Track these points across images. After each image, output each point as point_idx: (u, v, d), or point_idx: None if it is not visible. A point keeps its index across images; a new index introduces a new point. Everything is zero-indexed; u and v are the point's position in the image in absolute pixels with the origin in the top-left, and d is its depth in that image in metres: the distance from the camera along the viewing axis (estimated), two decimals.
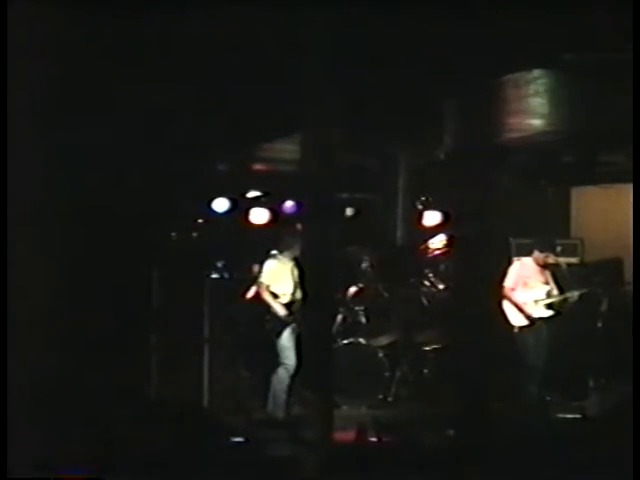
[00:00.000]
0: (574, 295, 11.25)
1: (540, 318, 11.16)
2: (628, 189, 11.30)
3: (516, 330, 11.17)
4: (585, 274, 12.24)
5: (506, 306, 11.22)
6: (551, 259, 11.30)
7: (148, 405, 9.65)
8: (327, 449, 7.93)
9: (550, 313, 11.17)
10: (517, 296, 11.19)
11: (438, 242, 12.76)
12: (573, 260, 12.74)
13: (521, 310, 11.13)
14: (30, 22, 7.61)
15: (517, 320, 11.22)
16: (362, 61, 8.16)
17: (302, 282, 10.52)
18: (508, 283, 11.21)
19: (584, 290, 11.42)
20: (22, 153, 7.64)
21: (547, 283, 11.27)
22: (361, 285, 12.21)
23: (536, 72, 8.73)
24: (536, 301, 11.17)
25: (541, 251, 11.25)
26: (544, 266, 11.29)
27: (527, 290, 11.21)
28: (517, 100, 9.94)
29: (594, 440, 8.44)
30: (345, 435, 8.82)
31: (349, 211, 12.39)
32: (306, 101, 8.08)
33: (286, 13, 7.79)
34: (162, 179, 9.99)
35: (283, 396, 10.68)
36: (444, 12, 7.72)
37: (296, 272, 10.76)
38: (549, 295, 11.19)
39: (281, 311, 10.66)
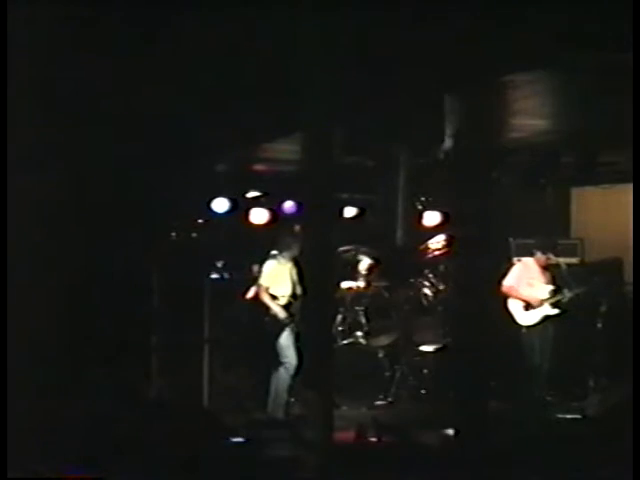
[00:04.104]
0: (580, 291, 11.33)
1: (547, 317, 11.23)
2: (628, 189, 11.30)
3: (524, 330, 11.24)
4: (585, 274, 12.24)
5: (511, 306, 11.27)
6: (552, 260, 11.35)
7: (148, 405, 9.65)
8: (327, 449, 7.92)
9: (556, 311, 11.24)
10: (518, 294, 11.26)
11: (438, 242, 12.76)
12: (573, 260, 12.75)
13: (529, 304, 11.20)
14: (30, 22, 7.62)
15: (523, 319, 11.27)
16: (362, 61, 8.16)
17: (301, 282, 10.53)
18: (508, 281, 11.25)
19: (586, 288, 11.48)
20: (22, 152, 7.64)
21: (550, 283, 11.32)
22: (361, 285, 12.23)
23: (536, 72, 8.72)
24: (541, 300, 11.23)
25: (543, 252, 11.30)
26: (546, 267, 11.35)
27: (531, 291, 11.27)
28: (517, 100, 9.94)
29: (594, 440, 8.44)
30: (345, 435, 8.82)
31: (349, 211, 12.39)
32: (306, 101, 8.07)
33: (286, 12, 7.78)
34: (162, 179, 10.00)
35: (283, 396, 10.69)
36: (444, 12, 7.72)
37: (295, 272, 10.77)
38: (553, 294, 11.25)
39: (280, 313, 10.66)
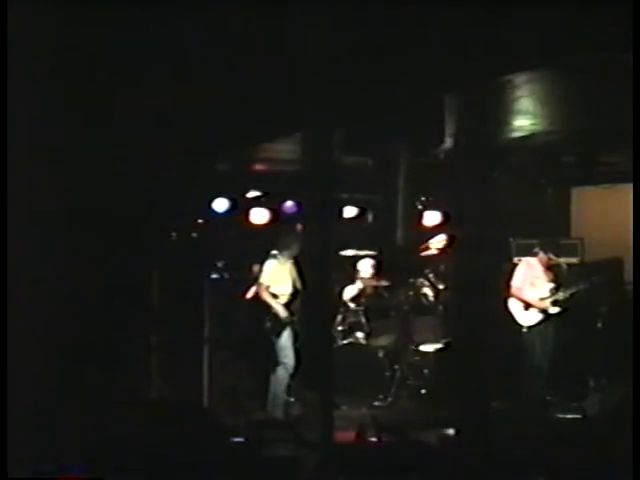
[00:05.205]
0: (579, 288, 11.35)
1: (548, 316, 11.25)
2: (628, 189, 11.31)
3: (524, 330, 11.27)
4: (585, 274, 12.24)
5: (512, 306, 11.28)
6: (553, 260, 11.38)
7: (148, 405, 9.65)
8: (327, 449, 7.91)
9: (557, 310, 11.27)
10: (525, 295, 11.29)
11: (438, 242, 12.76)
12: (573, 260, 12.76)
13: (532, 307, 11.22)
14: (30, 22, 7.61)
15: (524, 319, 11.29)
16: (362, 60, 8.15)
17: (302, 281, 10.53)
18: (516, 283, 11.30)
19: (586, 285, 11.50)
20: (22, 153, 7.63)
21: (551, 282, 11.36)
22: (361, 285, 12.23)
23: (536, 72, 8.73)
24: (542, 299, 11.25)
25: (545, 252, 11.33)
26: (549, 267, 11.38)
27: (533, 290, 11.30)
28: (517, 100, 9.94)
29: (594, 440, 8.44)
30: (345, 435, 8.82)
31: (349, 211, 12.37)
32: (306, 101, 8.07)
33: (286, 12, 7.78)
34: (162, 179, 9.99)
35: (283, 396, 10.70)
36: (444, 12, 7.72)
37: (295, 272, 10.77)
38: (554, 292, 11.27)
39: (282, 312, 10.67)
